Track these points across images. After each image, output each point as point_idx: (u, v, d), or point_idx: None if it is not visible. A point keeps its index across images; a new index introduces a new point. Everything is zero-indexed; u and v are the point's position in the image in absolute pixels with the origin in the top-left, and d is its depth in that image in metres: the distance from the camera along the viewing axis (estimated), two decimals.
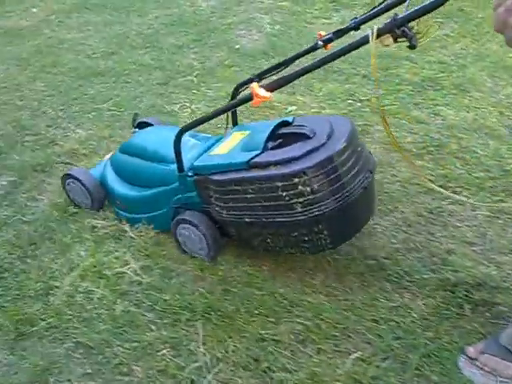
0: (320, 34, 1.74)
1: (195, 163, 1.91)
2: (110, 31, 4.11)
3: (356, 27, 1.66)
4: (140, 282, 1.95)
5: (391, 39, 1.31)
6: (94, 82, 3.41)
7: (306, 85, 3.06)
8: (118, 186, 2.23)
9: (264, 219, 1.75)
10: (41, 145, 2.81)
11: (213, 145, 2.02)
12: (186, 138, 1.98)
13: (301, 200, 1.65)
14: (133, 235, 2.13)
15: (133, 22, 4.22)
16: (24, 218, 2.30)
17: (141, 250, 2.08)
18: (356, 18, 1.58)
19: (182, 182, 1.94)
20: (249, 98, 1.61)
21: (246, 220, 1.79)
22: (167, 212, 2.06)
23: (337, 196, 1.65)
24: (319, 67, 1.52)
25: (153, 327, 1.78)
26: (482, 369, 1.52)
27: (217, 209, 1.86)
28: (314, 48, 1.79)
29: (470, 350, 1.55)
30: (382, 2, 1.48)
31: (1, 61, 3.81)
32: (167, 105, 3.06)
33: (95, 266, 2.01)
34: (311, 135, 1.72)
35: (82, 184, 2.23)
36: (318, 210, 1.65)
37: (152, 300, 1.87)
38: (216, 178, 1.80)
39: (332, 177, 1.64)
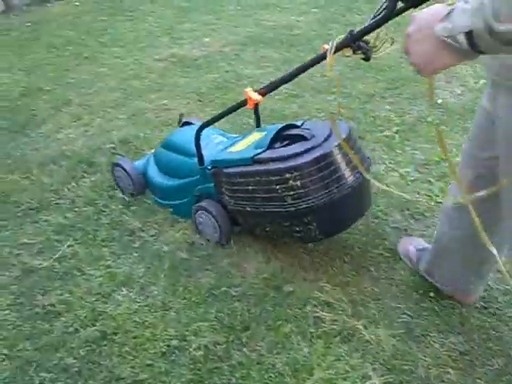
0: (324, 47, 1.72)
1: (213, 158, 2.15)
2: (290, 69, 3.87)
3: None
4: None
5: (351, 51, 1.42)
6: None
7: None
8: (156, 176, 2.56)
9: (262, 209, 1.98)
10: None
11: (234, 143, 2.24)
12: (214, 135, 2.41)
13: (291, 193, 1.86)
14: (368, 337, 1.78)
15: None
16: (232, 292, 2.03)
17: (379, 358, 1.72)
18: (352, 30, 1.49)
19: (202, 174, 2.22)
20: (245, 102, 1.86)
21: (248, 209, 2.03)
22: (191, 200, 2.33)
23: (324, 192, 1.83)
24: (298, 75, 1.74)
25: None
26: None
27: (226, 198, 2.12)
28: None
29: None
30: (374, 18, 1.41)
31: (181, 94, 3.69)
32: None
33: (327, 373, 1.68)
34: (309, 137, 1.94)
35: (126, 171, 2.57)
36: (306, 203, 1.84)
37: None
38: (227, 171, 2.06)
39: (320, 175, 1.83)
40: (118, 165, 2.64)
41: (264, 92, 1.81)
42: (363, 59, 1.43)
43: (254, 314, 1.93)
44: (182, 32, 4.89)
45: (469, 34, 0.89)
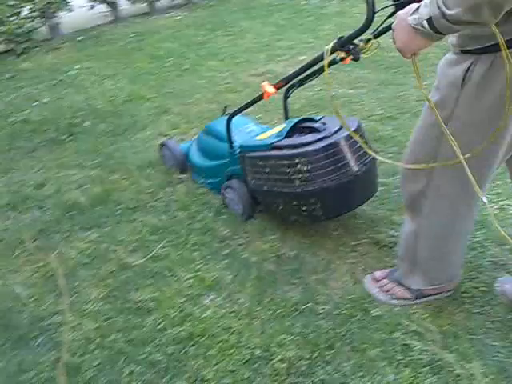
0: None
1: (241, 143, 2.48)
2: (386, 91, 3.85)
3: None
4: None
5: (343, 54, 1.65)
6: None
7: None
8: (197, 158, 2.94)
9: (275, 189, 2.25)
10: None
11: (262, 132, 2.57)
12: (247, 125, 2.77)
13: (299, 176, 2.12)
14: (459, 372, 1.71)
15: (410, 84, 3.90)
16: (318, 309, 2.02)
17: None
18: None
19: (232, 157, 2.55)
20: (262, 95, 2.15)
21: (265, 189, 2.32)
22: (222, 179, 2.67)
23: (328, 177, 2.07)
24: (305, 71, 1.99)
25: None
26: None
27: (248, 178, 2.43)
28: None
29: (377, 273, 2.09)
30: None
31: (273, 109, 3.75)
32: None
33: None
34: (321, 129, 2.22)
35: (171, 151, 3.03)
36: (312, 186, 2.10)
37: None
38: (249, 154, 2.37)
39: (325, 162, 2.07)
40: (165, 145, 3.09)
41: (278, 86, 2.09)
42: (353, 59, 1.68)
43: (339, 333, 1.91)
44: (279, 49, 4.99)
45: (430, 20, 1.23)
